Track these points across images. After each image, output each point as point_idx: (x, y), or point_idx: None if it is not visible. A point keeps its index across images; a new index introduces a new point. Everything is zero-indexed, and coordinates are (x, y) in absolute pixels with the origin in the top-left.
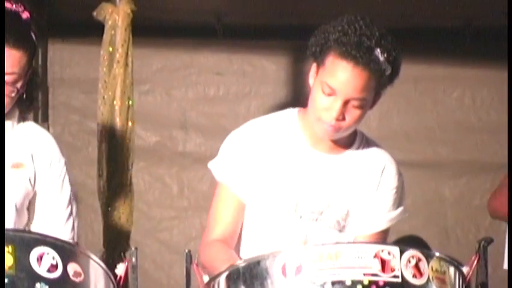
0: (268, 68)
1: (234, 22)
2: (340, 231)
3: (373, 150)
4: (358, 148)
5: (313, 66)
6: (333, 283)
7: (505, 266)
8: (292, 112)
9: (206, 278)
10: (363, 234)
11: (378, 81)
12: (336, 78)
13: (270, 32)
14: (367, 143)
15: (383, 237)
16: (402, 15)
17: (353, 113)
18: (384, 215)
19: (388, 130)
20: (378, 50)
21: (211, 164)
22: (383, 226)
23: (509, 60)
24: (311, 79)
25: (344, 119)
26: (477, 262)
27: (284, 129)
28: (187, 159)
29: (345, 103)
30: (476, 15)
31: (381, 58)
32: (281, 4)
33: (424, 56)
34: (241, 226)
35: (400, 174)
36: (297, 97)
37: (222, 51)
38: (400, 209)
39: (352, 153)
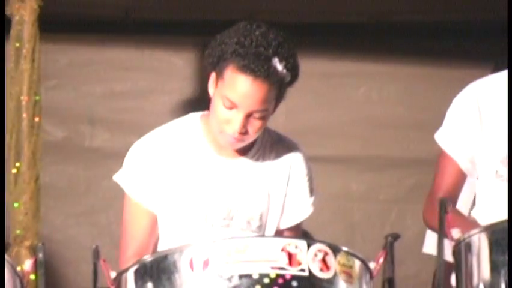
0: (176, 64)
1: (142, 17)
2: (253, 231)
3: (278, 144)
4: (261, 146)
5: (212, 75)
6: (240, 276)
7: (425, 249)
8: (195, 118)
9: (113, 274)
10: (290, 226)
11: (279, 90)
12: (237, 92)
13: (177, 27)
14: (271, 138)
15: (299, 230)
16: (311, 12)
17: (255, 125)
18: (305, 201)
19: (295, 126)
20: (276, 59)
21: (116, 176)
22: (307, 212)
23: (509, 59)
24: (211, 89)
25: (246, 131)
26: (384, 257)
27: (188, 136)
28: (94, 155)
29: (247, 116)
30: (385, 12)
31: (280, 67)
32: (189, 0)
33: (331, 51)
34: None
35: (307, 160)
36: (204, 93)
37: (129, 46)
38: (311, 199)
39: (256, 153)
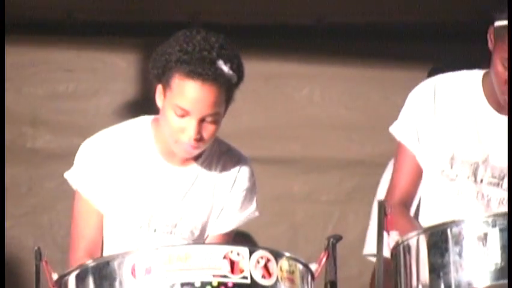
0: (119, 65)
1: (84, 19)
2: (195, 241)
3: (226, 155)
4: (209, 155)
5: (159, 87)
6: (182, 284)
7: (365, 251)
8: (146, 122)
9: (55, 276)
10: (212, 235)
11: (228, 92)
12: (187, 99)
13: (120, 29)
14: (219, 148)
15: (229, 237)
16: (253, 13)
17: (209, 129)
18: (235, 215)
19: (238, 127)
20: (221, 61)
21: (67, 174)
22: (232, 226)
23: (510, 59)
24: (159, 101)
25: (202, 137)
26: (326, 259)
27: (138, 140)
28: (37, 156)
29: (200, 121)
30: (328, 14)
31: (226, 69)
32: (131, 1)
33: (274, 53)
34: None
35: (252, 175)
36: (147, 94)
37: (72, 48)
38: (250, 208)
39: (204, 162)
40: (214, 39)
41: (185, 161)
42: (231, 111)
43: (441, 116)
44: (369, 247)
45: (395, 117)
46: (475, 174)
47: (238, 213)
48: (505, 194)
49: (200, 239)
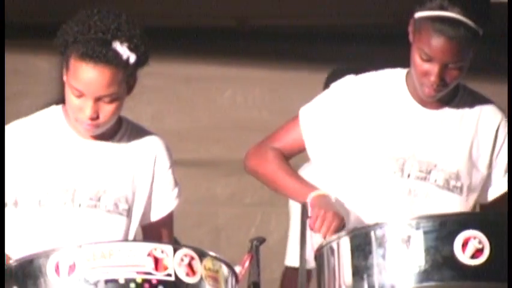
0: (41, 67)
1: (7, 20)
2: (121, 214)
3: (142, 133)
4: (126, 131)
5: (64, 64)
6: (106, 281)
7: (288, 262)
8: (57, 107)
9: None
10: (156, 220)
11: (127, 71)
12: (80, 81)
13: (42, 30)
14: (134, 127)
15: (170, 220)
16: (175, 15)
17: (107, 109)
18: (170, 194)
19: (160, 129)
20: (117, 42)
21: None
22: (173, 205)
23: (509, 60)
24: (64, 77)
25: (98, 117)
26: (249, 261)
27: (51, 123)
28: None
29: (96, 101)
30: (249, 15)
31: (121, 49)
32: (53, 2)
33: (196, 55)
34: None
35: (169, 153)
36: None
37: None
38: (176, 189)
39: (122, 138)
40: (111, 19)
41: (103, 137)
42: (154, 114)
43: (361, 113)
44: (291, 257)
45: None
46: (402, 170)
47: (170, 194)
48: (431, 188)
49: (127, 214)
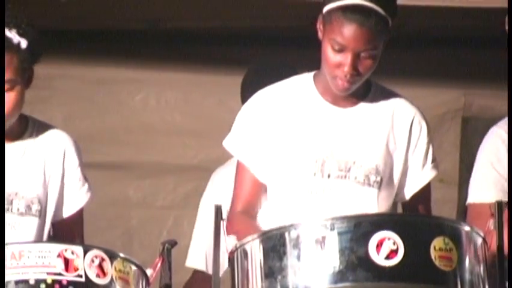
0: None
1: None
2: (33, 215)
3: (50, 128)
4: (31, 135)
5: None
6: (16, 282)
7: (188, 263)
8: None
9: None
10: (67, 217)
11: (18, 57)
12: None
13: None
14: (42, 128)
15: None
16: (84, 18)
17: (10, 97)
18: (80, 189)
19: (72, 132)
20: (6, 28)
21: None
22: (84, 200)
23: (509, 61)
24: None
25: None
26: (161, 264)
27: None
28: None
29: (9, 90)
30: (161, 18)
31: (12, 35)
32: None
33: (107, 58)
34: None
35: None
36: None
37: None
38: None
39: (27, 144)
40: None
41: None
42: (65, 116)
43: (277, 123)
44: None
45: (231, 122)
46: (322, 171)
47: (81, 191)
48: (352, 185)
49: (39, 215)
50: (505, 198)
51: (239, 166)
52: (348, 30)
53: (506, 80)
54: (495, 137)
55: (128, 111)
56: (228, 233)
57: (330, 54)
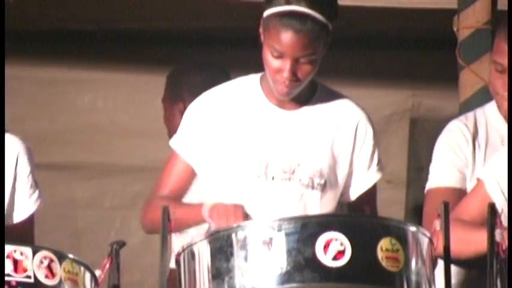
0: None
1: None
2: None
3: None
4: None
5: None
6: None
7: None
8: None
9: None
10: (17, 222)
11: None
12: None
13: None
14: None
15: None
16: (32, 18)
17: None
18: (31, 197)
19: (20, 132)
20: None
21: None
22: (33, 207)
23: (510, 59)
24: None
25: None
26: (109, 265)
27: None
28: None
29: None
30: (108, 18)
31: None
32: None
33: (55, 58)
34: None
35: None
36: None
37: None
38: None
39: None
40: None
41: None
42: (13, 117)
43: (222, 124)
44: None
45: None
46: (265, 173)
47: (32, 196)
48: (296, 188)
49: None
50: (461, 185)
51: (173, 155)
52: (285, 37)
53: (454, 81)
54: (455, 128)
55: (76, 112)
56: (144, 218)
57: (269, 60)
